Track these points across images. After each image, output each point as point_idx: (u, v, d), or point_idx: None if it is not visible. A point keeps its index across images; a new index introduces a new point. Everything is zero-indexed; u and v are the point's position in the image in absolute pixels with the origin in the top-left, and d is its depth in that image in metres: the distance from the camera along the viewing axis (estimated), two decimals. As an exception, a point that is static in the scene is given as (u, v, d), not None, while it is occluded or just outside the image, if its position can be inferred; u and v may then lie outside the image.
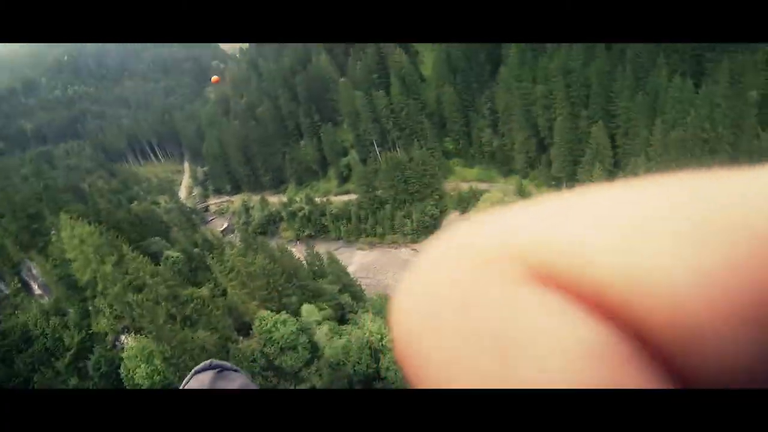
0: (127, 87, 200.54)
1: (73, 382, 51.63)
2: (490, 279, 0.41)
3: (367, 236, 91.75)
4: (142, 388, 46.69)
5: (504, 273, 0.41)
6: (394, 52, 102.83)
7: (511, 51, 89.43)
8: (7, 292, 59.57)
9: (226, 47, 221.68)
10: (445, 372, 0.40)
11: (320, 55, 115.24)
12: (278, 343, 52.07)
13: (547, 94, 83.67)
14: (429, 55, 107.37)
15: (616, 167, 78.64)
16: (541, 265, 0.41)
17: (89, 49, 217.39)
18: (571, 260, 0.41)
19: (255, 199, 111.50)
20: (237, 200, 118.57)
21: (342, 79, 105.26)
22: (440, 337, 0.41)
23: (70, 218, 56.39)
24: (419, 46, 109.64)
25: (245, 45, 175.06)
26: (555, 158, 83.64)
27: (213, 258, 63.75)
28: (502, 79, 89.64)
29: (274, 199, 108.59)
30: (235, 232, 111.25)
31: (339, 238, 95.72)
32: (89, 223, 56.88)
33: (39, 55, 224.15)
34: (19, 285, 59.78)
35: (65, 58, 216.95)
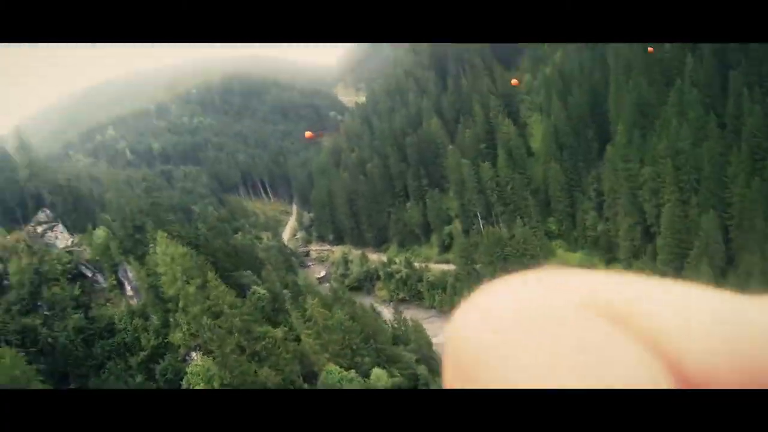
0: (246, 125, 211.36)
1: (138, 379, 56.10)
2: (566, 308, 0.49)
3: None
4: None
5: (581, 309, 0.49)
6: (504, 123, 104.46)
7: (619, 128, 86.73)
8: (104, 285, 66.21)
9: (345, 100, 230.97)
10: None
11: (431, 119, 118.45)
12: None
13: (654, 177, 79.50)
14: (537, 127, 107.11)
15: (728, 264, 72.67)
16: (616, 314, 0.49)
17: (216, 86, 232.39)
18: (644, 319, 0.50)
19: (355, 253, 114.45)
20: (337, 251, 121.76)
21: (450, 147, 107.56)
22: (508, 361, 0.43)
23: (167, 237, 61.80)
24: (528, 119, 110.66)
25: (362, 99, 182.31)
26: (661, 249, 79.15)
27: (293, 303, 66.50)
28: (609, 158, 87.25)
29: (374, 257, 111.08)
30: (331, 281, 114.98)
31: (432, 307, 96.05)
32: (183, 245, 62.25)
33: (173, 82, 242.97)
34: (115, 282, 65.90)
35: (194, 90, 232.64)
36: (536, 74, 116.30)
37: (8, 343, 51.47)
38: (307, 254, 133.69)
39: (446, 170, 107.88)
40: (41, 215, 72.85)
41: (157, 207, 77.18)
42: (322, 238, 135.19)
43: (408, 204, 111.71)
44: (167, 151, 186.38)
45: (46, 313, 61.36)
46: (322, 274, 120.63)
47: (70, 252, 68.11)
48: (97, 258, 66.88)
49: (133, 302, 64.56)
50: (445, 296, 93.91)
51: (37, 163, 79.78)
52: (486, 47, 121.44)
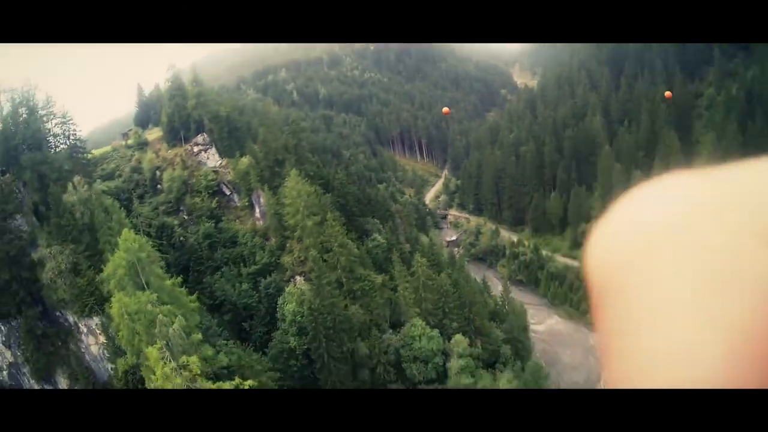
0: (416, 86, 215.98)
1: (244, 286, 64.37)
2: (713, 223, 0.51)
3: (571, 307, 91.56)
4: (285, 320, 58.21)
5: (731, 223, 0.50)
6: (668, 136, 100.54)
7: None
8: (237, 204, 78.24)
9: (518, 81, 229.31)
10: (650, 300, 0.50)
11: (595, 116, 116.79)
12: (415, 350, 57.53)
13: None
14: (706, 148, 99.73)
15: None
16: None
17: (394, 46, 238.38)
18: None
19: (489, 226, 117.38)
20: (474, 221, 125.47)
21: (607, 147, 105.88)
22: (650, 268, 0.50)
23: (300, 175, 69.39)
24: (702, 138, 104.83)
25: (533, 83, 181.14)
26: None
27: (404, 257, 70.83)
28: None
29: (506, 235, 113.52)
30: (459, 246, 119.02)
31: (545, 296, 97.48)
32: (313, 184, 69.92)
33: None
34: (247, 204, 76.96)
35: (372, 47, 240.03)
36: (721, 90, 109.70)
37: (147, 234, 61.74)
38: (445, 217, 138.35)
39: (598, 170, 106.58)
40: (199, 138, 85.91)
41: (300, 149, 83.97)
42: (462, 206, 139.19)
43: (552, 194, 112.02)
44: (332, 98, 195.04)
45: (185, 216, 75.97)
46: (453, 237, 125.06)
47: (215, 172, 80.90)
48: (237, 181, 77.74)
49: (259, 223, 74.87)
50: (560, 289, 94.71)
51: (204, 95, 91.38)
52: (674, 49, 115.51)
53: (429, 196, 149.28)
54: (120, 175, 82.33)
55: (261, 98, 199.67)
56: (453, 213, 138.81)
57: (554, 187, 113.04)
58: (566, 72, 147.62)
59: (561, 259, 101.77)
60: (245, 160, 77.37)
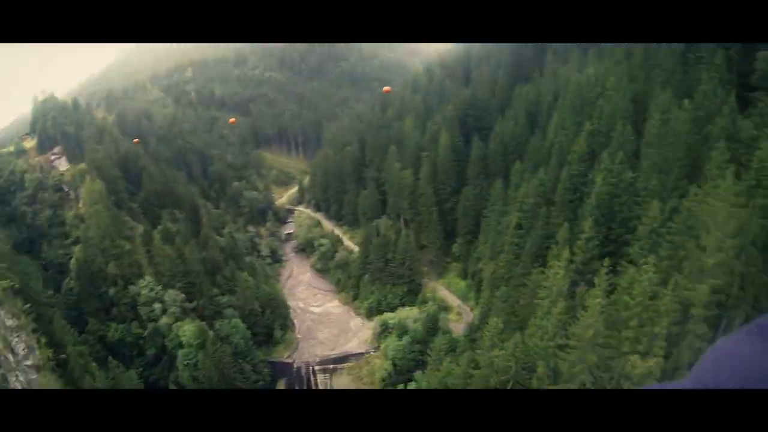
0: (311, 85, 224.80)
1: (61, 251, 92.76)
2: None
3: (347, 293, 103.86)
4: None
5: None
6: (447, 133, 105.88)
7: None
8: (71, 197, 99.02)
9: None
10: None
11: (407, 119, 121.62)
12: (143, 297, 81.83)
13: None
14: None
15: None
16: None
17: (299, 44, 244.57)
18: None
19: (319, 221, 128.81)
20: (307, 216, 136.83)
21: (393, 147, 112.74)
22: None
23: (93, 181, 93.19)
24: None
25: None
26: None
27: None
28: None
29: (330, 228, 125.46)
30: (296, 239, 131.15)
31: (336, 284, 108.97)
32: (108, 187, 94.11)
33: None
34: (74, 197, 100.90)
35: (279, 45, 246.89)
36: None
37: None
38: (292, 212, 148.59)
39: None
40: (57, 149, 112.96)
41: (106, 159, 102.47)
42: (309, 202, 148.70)
43: (364, 191, 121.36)
44: (225, 99, 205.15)
45: (38, 206, 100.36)
46: (291, 231, 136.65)
47: (62, 174, 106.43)
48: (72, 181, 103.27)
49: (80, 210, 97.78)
50: (342, 276, 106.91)
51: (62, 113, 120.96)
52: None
53: (287, 194, 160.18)
54: (1, 176, 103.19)
55: (163, 98, 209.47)
56: (299, 209, 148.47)
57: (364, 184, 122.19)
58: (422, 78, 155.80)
59: (354, 250, 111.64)
60: (81, 167, 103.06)
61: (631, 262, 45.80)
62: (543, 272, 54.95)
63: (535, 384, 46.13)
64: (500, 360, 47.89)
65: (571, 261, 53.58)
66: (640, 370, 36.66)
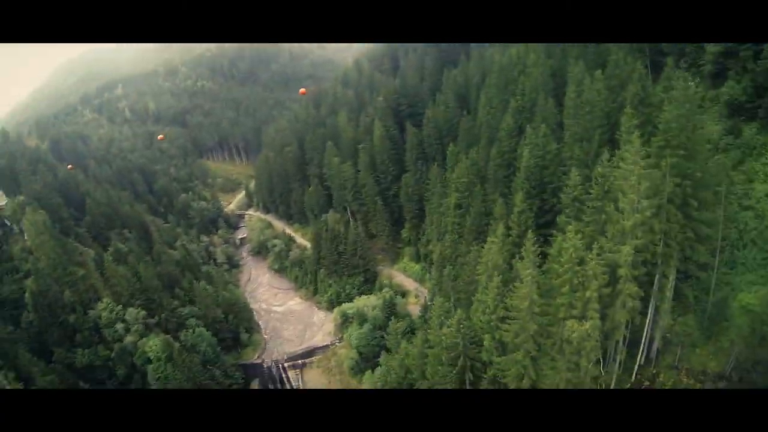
0: (244, 91, 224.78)
1: (14, 287, 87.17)
2: None
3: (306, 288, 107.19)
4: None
5: None
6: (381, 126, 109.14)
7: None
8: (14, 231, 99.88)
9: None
10: None
11: (341, 114, 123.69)
12: (104, 320, 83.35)
13: None
14: None
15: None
16: None
17: (228, 50, 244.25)
18: None
19: (277, 224, 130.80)
20: (258, 218, 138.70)
21: (330, 143, 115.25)
22: None
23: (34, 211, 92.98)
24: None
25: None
26: None
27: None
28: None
29: (282, 229, 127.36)
30: (249, 243, 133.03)
31: (294, 281, 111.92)
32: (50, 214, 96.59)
33: (191, 47, 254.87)
34: (19, 231, 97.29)
35: (208, 53, 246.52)
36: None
37: None
38: (243, 217, 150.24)
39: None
40: None
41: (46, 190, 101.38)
42: (260, 205, 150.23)
43: (309, 188, 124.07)
44: (160, 113, 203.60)
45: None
46: (244, 235, 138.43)
47: (1, 209, 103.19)
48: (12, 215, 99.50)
49: (26, 243, 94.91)
50: (299, 273, 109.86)
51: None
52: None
53: (236, 198, 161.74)
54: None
55: (97, 118, 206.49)
56: (249, 213, 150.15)
57: (307, 180, 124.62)
58: (352, 72, 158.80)
59: (307, 246, 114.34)
60: (20, 199, 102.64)
61: (561, 230, 47.39)
62: (482, 248, 57.48)
63: (485, 357, 49.05)
64: (447, 337, 50.89)
65: (508, 235, 57.07)
66: (579, 334, 38.55)
